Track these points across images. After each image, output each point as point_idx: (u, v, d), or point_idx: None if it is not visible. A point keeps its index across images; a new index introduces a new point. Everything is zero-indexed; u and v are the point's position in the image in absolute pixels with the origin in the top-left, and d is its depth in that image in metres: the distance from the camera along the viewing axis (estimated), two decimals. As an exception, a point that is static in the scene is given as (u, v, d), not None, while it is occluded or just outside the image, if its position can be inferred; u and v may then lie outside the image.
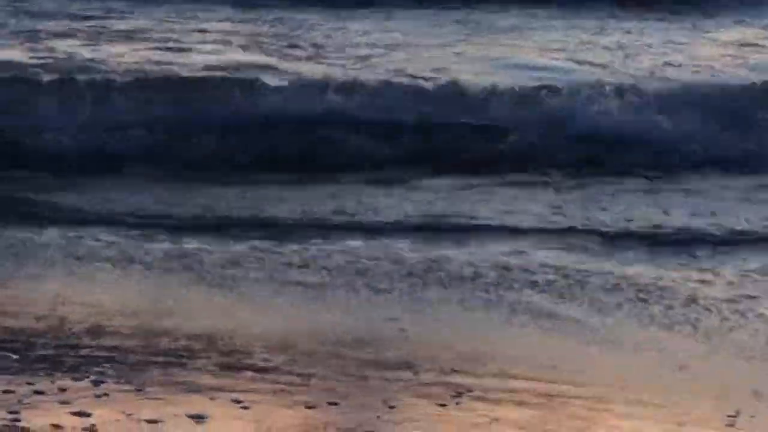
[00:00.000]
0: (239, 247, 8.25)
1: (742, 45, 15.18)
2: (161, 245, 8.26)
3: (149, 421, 4.27)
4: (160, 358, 5.48)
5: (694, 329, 6.57)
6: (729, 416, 4.86)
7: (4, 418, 4.21)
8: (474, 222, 9.05)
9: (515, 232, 8.78)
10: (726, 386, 5.56)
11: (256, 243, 8.24)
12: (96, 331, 5.85)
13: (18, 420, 4.20)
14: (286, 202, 9.79)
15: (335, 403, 4.72)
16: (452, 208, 9.47)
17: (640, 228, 9.06)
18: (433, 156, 11.19)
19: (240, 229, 8.89)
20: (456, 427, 4.58)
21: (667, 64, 13.40)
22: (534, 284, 7.42)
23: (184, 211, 9.51)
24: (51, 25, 15.19)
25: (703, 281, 7.42)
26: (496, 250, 8.15)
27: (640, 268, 8.04)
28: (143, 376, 5.02)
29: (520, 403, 5.06)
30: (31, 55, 13.59)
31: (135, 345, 5.70)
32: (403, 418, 4.71)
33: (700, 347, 6.32)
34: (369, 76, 12.32)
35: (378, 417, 4.56)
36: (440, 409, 4.83)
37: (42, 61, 13.05)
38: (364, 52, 13.74)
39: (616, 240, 8.67)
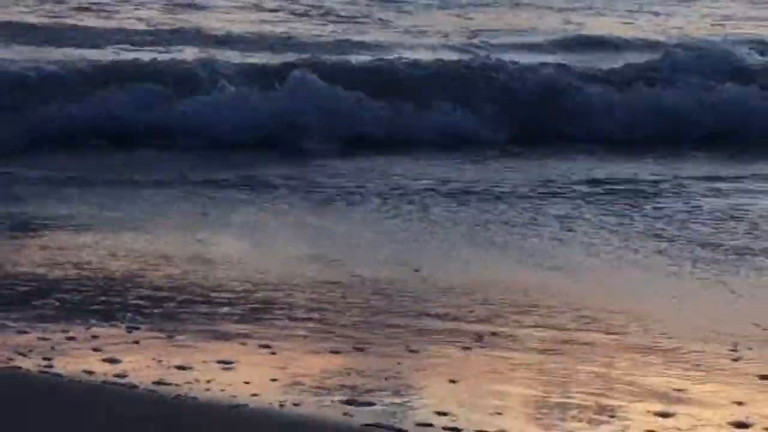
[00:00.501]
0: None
1: None
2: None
3: (179, 367, 4.43)
4: (192, 306, 5.67)
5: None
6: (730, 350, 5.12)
7: (38, 365, 4.40)
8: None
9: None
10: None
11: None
12: (132, 280, 6.07)
13: (51, 366, 4.38)
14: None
15: (360, 349, 4.89)
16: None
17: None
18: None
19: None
20: (477, 371, 4.74)
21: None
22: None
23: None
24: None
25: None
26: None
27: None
28: (175, 324, 5.23)
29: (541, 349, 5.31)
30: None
31: (168, 293, 5.90)
32: (420, 362, 4.89)
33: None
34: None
35: (399, 363, 4.73)
36: (456, 349, 5.03)
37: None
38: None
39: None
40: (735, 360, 5.07)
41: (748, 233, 7.92)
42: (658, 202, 9.19)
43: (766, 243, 7.71)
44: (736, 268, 7.04)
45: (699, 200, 9.04)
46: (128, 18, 15.99)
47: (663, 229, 8.00)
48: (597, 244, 7.48)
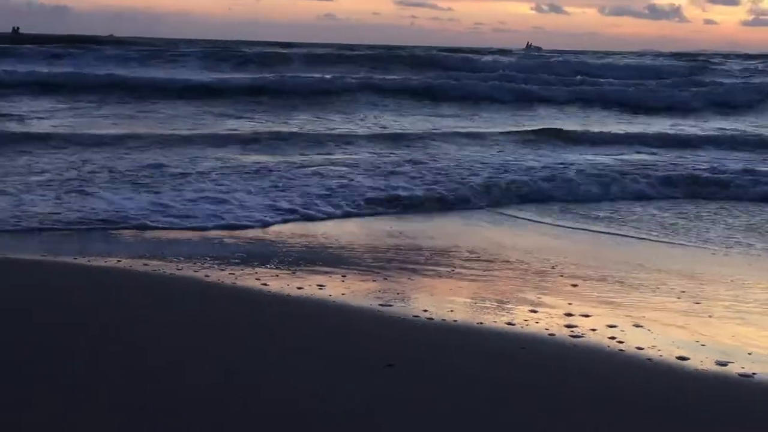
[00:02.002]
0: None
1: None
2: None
3: (298, 287, 5.91)
4: (302, 258, 7.08)
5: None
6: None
7: (222, 282, 5.90)
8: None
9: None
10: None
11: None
12: (281, 244, 7.54)
13: (235, 281, 5.91)
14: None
15: (385, 279, 6.36)
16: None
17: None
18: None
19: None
20: (444, 289, 6.18)
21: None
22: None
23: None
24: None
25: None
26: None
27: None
28: (295, 266, 6.69)
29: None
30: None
31: (295, 252, 7.30)
32: (418, 284, 6.36)
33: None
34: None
35: (404, 285, 6.27)
36: (437, 278, 6.51)
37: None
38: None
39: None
40: (561, 275, 6.59)
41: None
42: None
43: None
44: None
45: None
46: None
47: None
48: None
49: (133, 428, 3.53)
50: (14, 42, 39.38)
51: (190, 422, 3.62)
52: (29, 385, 3.93)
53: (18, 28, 71.65)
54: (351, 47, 55.21)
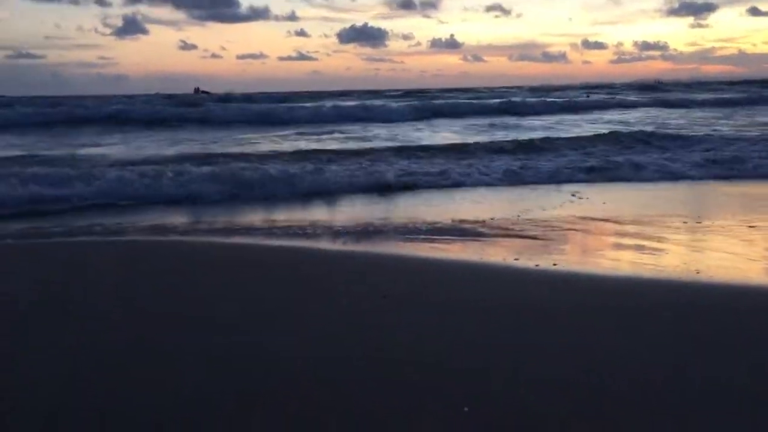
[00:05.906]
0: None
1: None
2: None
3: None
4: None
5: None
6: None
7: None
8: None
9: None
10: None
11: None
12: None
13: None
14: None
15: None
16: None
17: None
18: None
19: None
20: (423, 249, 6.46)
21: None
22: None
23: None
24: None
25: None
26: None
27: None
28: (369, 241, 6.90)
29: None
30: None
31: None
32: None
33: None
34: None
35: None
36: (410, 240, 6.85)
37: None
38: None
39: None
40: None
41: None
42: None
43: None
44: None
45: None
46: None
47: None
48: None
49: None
50: (197, 99, 35.90)
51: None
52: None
53: (198, 87, 67.56)
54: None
